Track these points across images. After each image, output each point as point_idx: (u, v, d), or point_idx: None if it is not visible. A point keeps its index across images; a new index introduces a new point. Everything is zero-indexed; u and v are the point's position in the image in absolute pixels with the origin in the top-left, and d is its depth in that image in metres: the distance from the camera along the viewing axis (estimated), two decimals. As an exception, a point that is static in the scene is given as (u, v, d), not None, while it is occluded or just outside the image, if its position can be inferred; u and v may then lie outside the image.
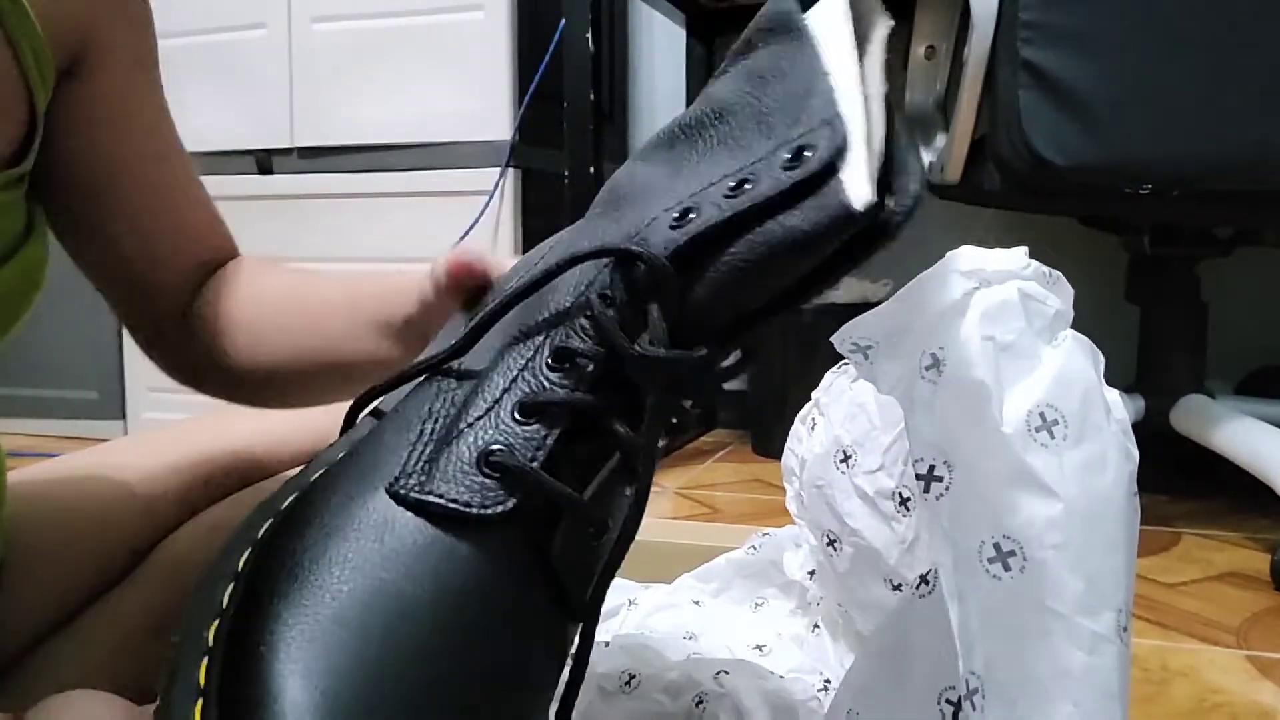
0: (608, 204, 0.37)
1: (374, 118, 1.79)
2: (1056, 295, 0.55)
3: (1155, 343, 1.48)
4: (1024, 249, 0.58)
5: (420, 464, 0.30)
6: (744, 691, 0.55)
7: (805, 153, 0.29)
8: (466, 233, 1.72)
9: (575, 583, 0.30)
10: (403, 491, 0.29)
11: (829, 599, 0.64)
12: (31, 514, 0.63)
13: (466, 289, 0.45)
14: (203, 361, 0.62)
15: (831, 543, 0.57)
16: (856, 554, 0.55)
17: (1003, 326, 0.53)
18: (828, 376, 0.61)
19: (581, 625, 0.32)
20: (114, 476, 0.67)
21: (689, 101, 2.09)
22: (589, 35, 1.51)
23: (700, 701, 0.54)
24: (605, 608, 0.76)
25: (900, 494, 0.52)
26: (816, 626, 0.67)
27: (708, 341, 0.31)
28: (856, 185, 0.28)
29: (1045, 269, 0.57)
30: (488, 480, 0.29)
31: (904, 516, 0.51)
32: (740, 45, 0.37)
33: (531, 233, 1.79)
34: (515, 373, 0.31)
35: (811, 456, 0.58)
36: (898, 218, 0.29)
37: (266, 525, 0.30)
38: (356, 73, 1.78)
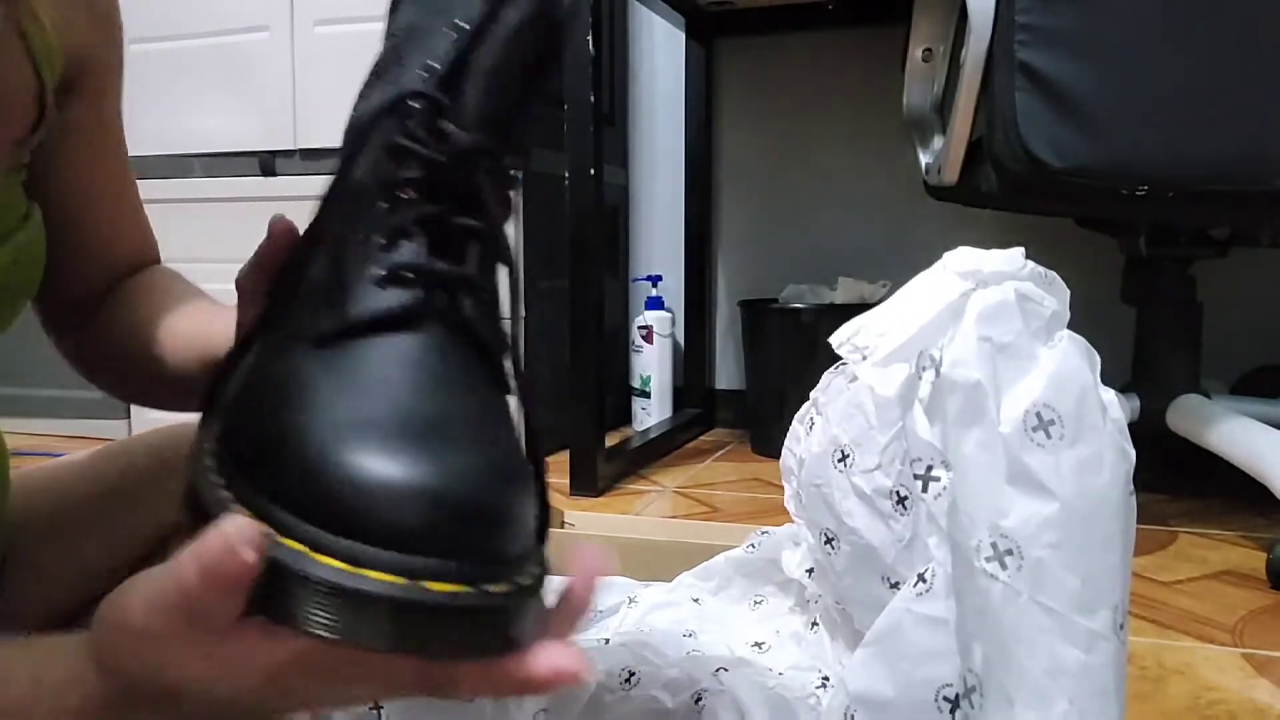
0: (344, 139, 0.45)
1: (375, 119, 1.79)
2: (1053, 296, 0.56)
3: (1151, 343, 1.49)
4: (1020, 250, 0.59)
5: (328, 310, 0.36)
6: (743, 688, 0.56)
7: None
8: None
9: (496, 345, 0.38)
10: (323, 333, 0.35)
11: (827, 597, 0.64)
12: (34, 512, 0.63)
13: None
14: (98, 358, 0.65)
15: (829, 541, 0.57)
16: (854, 552, 0.55)
17: (1000, 327, 0.54)
18: (825, 376, 0.62)
19: (522, 394, 0.39)
20: (115, 475, 0.67)
21: (688, 104, 2.09)
22: (589, 38, 1.52)
23: (699, 698, 0.55)
24: (605, 605, 0.77)
25: (898, 493, 0.52)
26: (815, 624, 0.68)
27: (495, 135, 0.39)
28: None
29: (1041, 270, 0.58)
30: (392, 289, 0.36)
31: (901, 515, 0.52)
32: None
33: (532, 234, 1.79)
34: (356, 223, 0.38)
35: (810, 456, 0.59)
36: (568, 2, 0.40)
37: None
38: (359, 75, 1.78)
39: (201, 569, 0.29)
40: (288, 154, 1.85)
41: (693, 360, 2.14)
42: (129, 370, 0.63)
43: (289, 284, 0.40)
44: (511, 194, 0.42)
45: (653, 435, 1.88)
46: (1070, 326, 0.58)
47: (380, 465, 0.29)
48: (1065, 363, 0.52)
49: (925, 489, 0.50)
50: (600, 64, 1.55)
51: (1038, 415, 0.50)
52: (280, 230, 0.45)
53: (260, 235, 0.43)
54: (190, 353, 0.57)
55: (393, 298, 0.35)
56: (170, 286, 0.64)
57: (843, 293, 1.90)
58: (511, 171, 0.41)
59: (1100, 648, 0.48)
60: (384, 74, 0.42)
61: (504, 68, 0.38)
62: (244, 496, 0.31)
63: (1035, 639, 0.48)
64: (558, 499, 1.56)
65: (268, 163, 1.87)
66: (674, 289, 2.15)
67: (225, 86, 1.87)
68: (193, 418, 0.66)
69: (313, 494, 0.29)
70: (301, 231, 0.44)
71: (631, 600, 0.74)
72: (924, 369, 0.52)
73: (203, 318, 0.59)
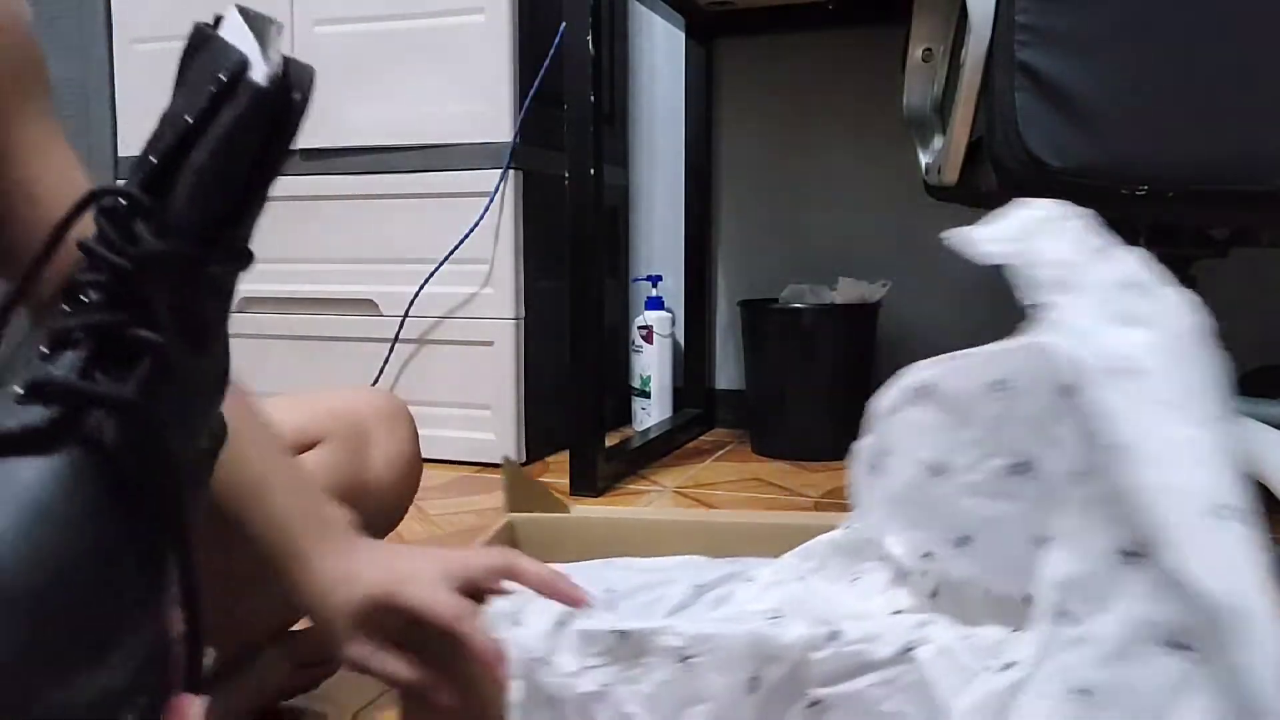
0: None
1: (376, 120, 1.80)
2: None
3: (1152, 343, 1.48)
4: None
5: None
6: (948, 638, 0.60)
7: (220, 73, 0.36)
8: (468, 233, 1.73)
9: (148, 479, 0.33)
10: None
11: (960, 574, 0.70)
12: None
13: None
14: None
15: (961, 542, 0.63)
16: (990, 537, 0.61)
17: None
18: (871, 418, 0.67)
19: (178, 546, 0.35)
20: None
21: (688, 103, 2.10)
22: (589, 38, 1.52)
23: (910, 648, 0.59)
24: (723, 583, 0.80)
25: (1012, 465, 0.59)
26: (935, 594, 0.72)
27: (197, 242, 0.36)
28: (257, 73, 0.36)
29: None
30: (32, 405, 0.32)
31: (1020, 478, 0.59)
32: (181, 71, 0.41)
33: (532, 234, 1.80)
34: (40, 332, 0.35)
35: (902, 487, 0.65)
36: (299, 94, 0.38)
37: None
38: (358, 75, 1.79)
39: None
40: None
41: (693, 360, 2.14)
42: None
43: None
44: (229, 302, 0.39)
45: (653, 435, 1.89)
46: None
47: None
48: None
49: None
50: (600, 64, 1.55)
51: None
52: None
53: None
54: (251, 519, 0.57)
55: (23, 415, 0.32)
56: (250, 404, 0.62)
57: (843, 293, 1.90)
58: (231, 280, 0.38)
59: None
60: (138, 165, 0.39)
61: (220, 167, 0.36)
62: None
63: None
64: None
65: (268, 163, 1.87)
66: (674, 289, 2.15)
67: (225, 87, 1.87)
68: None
69: None
70: None
71: (749, 579, 0.79)
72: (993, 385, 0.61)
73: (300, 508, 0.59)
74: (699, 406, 2.13)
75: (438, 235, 1.76)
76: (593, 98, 1.53)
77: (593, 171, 1.54)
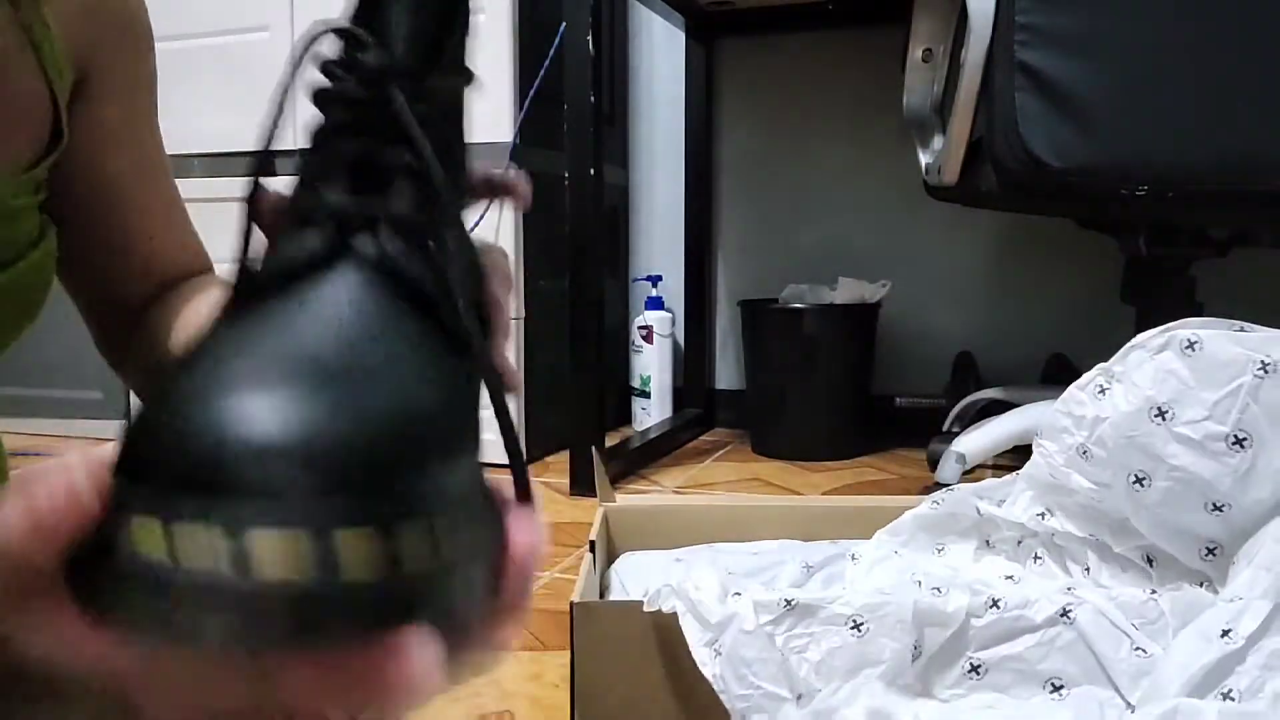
0: None
1: (375, 119, 1.80)
2: None
3: (1152, 343, 1.48)
4: None
5: (240, 276, 0.31)
6: (1099, 602, 0.65)
7: None
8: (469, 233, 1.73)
9: (434, 290, 0.31)
10: (231, 300, 0.30)
11: (1099, 532, 0.75)
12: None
13: None
14: (140, 371, 0.62)
15: (1139, 480, 0.68)
16: (1173, 486, 0.67)
17: None
18: (1124, 350, 0.72)
19: (473, 347, 0.31)
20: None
21: (688, 104, 2.10)
22: (589, 38, 1.52)
23: (1066, 611, 0.64)
24: (832, 563, 0.84)
25: (1235, 435, 0.64)
26: (1038, 557, 0.79)
27: (420, 57, 0.35)
28: None
29: None
30: (304, 236, 0.31)
31: (1238, 452, 0.64)
32: None
33: (532, 234, 1.80)
34: (300, 173, 0.34)
35: (1115, 414, 0.70)
36: None
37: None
38: (358, 75, 1.79)
39: (28, 498, 0.24)
40: (288, 154, 1.85)
41: (693, 360, 2.14)
42: None
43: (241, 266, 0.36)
44: (462, 119, 0.38)
45: (653, 435, 1.89)
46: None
47: (230, 408, 0.23)
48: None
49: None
50: (600, 64, 1.55)
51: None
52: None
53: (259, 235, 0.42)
54: None
55: (299, 244, 0.31)
56: (205, 286, 0.61)
57: (843, 293, 1.90)
58: (459, 93, 0.37)
59: None
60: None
61: None
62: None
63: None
64: (558, 502, 1.56)
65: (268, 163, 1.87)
66: (674, 289, 2.15)
67: (225, 86, 1.87)
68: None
69: (150, 454, 0.24)
70: None
71: (854, 557, 0.84)
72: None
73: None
74: (699, 406, 2.13)
75: (438, 235, 1.76)
76: (593, 98, 1.53)
77: (593, 171, 1.54)
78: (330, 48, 0.35)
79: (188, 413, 0.24)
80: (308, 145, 0.34)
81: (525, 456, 0.32)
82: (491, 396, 0.31)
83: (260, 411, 0.23)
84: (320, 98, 0.34)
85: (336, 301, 0.29)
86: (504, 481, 0.30)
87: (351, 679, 0.23)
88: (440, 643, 0.24)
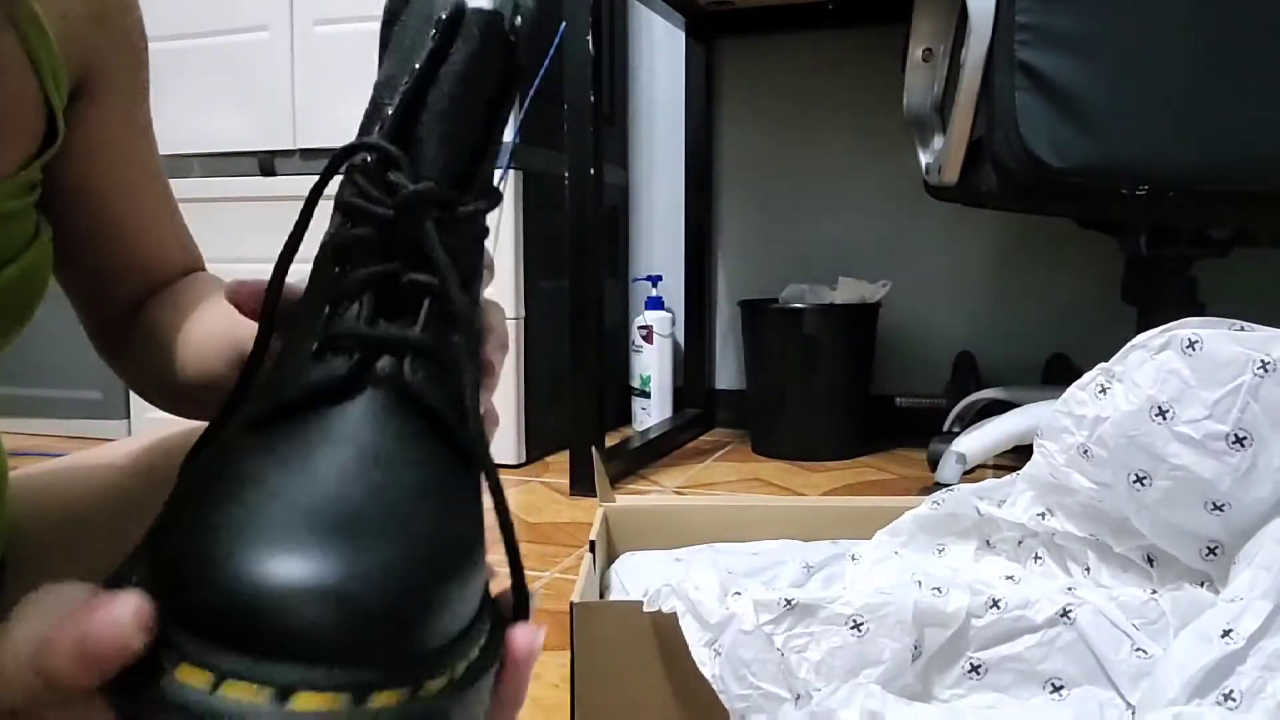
0: None
1: (375, 119, 1.80)
2: None
3: (1152, 343, 1.48)
4: None
5: (264, 394, 0.33)
6: (1099, 602, 0.65)
7: (440, 14, 0.37)
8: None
9: (448, 413, 0.33)
10: (257, 417, 0.32)
11: (1100, 532, 0.75)
12: (34, 513, 0.63)
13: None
14: (137, 368, 0.63)
15: (1139, 480, 0.68)
16: (1174, 486, 0.67)
17: None
18: (1124, 350, 0.72)
19: (482, 464, 0.34)
20: (118, 475, 0.67)
21: (688, 104, 2.10)
22: (589, 38, 1.52)
23: (1066, 611, 0.64)
24: (831, 563, 0.85)
25: (1235, 435, 0.64)
26: (1038, 558, 0.79)
27: (451, 183, 0.36)
28: (482, 3, 0.37)
29: None
30: (330, 360, 0.33)
31: (1239, 451, 0.64)
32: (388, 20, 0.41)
33: (532, 233, 1.79)
34: (315, 294, 0.35)
35: (1115, 413, 0.70)
36: (521, 25, 0.38)
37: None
38: (359, 74, 1.79)
39: (79, 635, 0.26)
40: (287, 154, 1.85)
41: (693, 360, 2.14)
42: (164, 377, 0.60)
43: (250, 365, 0.38)
44: (487, 243, 0.39)
45: (653, 435, 1.89)
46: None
47: (274, 567, 0.25)
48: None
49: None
50: (600, 64, 1.55)
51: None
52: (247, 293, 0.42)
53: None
54: (218, 353, 0.55)
55: (325, 369, 0.32)
56: (204, 287, 0.61)
57: (843, 293, 1.90)
58: (483, 218, 0.38)
59: None
60: (364, 130, 0.39)
61: (459, 108, 0.36)
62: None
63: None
64: (558, 503, 1.56)
65: (267, 163, 1.87)
66: (674, 289, 2.15)
67: (225, 86, 1.87)
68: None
69: (198, 604, 0.26)
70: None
71: (854, 557, 0.85)
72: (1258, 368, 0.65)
73: (229, 315, 0.57)
74: (699, 406, 2.13)
75: (438, 235, 1.76)
76: (593, 98, 1.53)
77: (593, 171, 1.54)
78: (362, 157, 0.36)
79: (228, 567, 0.26)
80: (330, 253, 0.36)
81: (522, 566, 0.33)
82: (495, 504, 0.33)
83: (298, 572, 0.25)
84: (349, 209, 0.35)
85: (361, 434, 0.31)
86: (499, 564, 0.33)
87: None
88: None
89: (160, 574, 0.27)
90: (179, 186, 0.67)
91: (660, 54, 2.16)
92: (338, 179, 0.37)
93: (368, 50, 0.46)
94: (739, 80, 2.11)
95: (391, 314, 0.34)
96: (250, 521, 0.27)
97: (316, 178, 0.38)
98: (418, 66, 0.36)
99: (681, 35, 2.08)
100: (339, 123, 1.81)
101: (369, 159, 0.35)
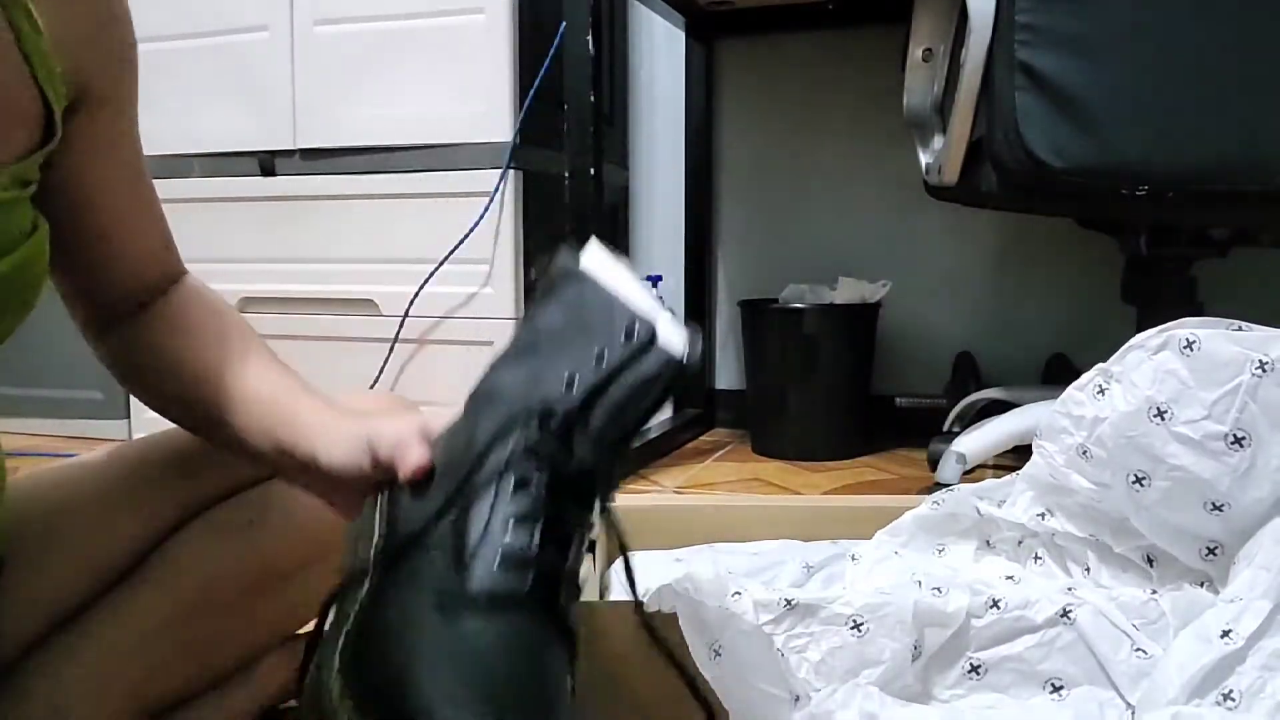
0: (482, 402, 0.53)
1: (376, 119, 1.80)
2: None
3: (1152, 343, 1.48)
4: None
5: (452, 580, 0.44)
6: (1099, 602, 0.65)
7: (636, 328, 0.49)
8: (468, 233, 1.73)
9: (575, 631, 0.45)
10: (449, 602, 0.43)
11: (1100, 533, 0.76)
12: (33, 513, 0.64)
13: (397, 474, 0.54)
14: (135, 370, 0.68)
15: (1138, 480, 0.68)
16: (1173, 486, 0.67)
17: None
18: (1123, 350, 0.72)
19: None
20: (114, 477, 0.67)
21: (688, 104, 2.10)
22: (589, 38, 1.52)
23: (1066, 612, 0.64)
24: (831, 563, 0.87)
25: (1234, 435, 0.64)
26: (1038, 558, 0.80)
27: (606, 462, 0.48)
28: (674, 339, 0.50)
29: None
30: (507, 573, 0.43)
31: (1237, 451, 0.64)
32: (541, 291, 0.55)
33: (532, 234, 1.79)
34: (499, 505, 0.45)
35: (1114, 414, 0.70)
36: (694, 363, 0.50)
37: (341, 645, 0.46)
38: (359, 75, 1.79)
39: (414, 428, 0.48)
40: (287, 154, 1.85)
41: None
42: (174, 398, 0.66)
43: (396, 500, 0.51)
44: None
45: (653, 435, 1.88)
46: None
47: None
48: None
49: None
50: (600, 64, 1.55)
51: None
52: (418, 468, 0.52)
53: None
54: (263, 423, 0.61)
55: (506, 582, 0.43)
56: (237, 335, 0.67)
57: (843, 293, 1.90)
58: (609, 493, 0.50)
59: None
60: (521, 356, 0.52)
61: (629, 404, 0.47)
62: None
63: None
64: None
65: (267, 163, 1.87)
66: (674, 289, 2.15)
67: (225, 86, 1.87)
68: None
69: None
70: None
71: (854, 557, 0.85)
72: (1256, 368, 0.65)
73: (287, 398, 0.62)
74: (699, 406, 2.13)
75: (438, 235, 1.76)
76: (593, 98, 1.53)
77: (593, 171, 1.54)
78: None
79: (428, 710, 0.39)
80: (512, 484, 0.46)
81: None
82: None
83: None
84: (535, 455, 0.46)
85: (523, 639, 0.43)
86: None
87: None
88: None
89: (367, 683, 0.42)
90: (179, 186, 0.68)
91: (660, 54, 2.16)
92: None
93: (368, 51, 0.47)
94: (739, 80, 2.11)
95: (554, 543, 0.45)
96: (446, 683, 0.40)
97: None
98: (609, 360, 0.47)
99: (681, 35, 2.08)
100: (339, 123, 1.81)
101: (557, 417, 0.46)
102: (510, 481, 0.45)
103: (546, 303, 0.53)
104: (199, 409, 0.64)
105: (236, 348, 0.65)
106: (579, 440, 0.46)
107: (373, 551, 0.51)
